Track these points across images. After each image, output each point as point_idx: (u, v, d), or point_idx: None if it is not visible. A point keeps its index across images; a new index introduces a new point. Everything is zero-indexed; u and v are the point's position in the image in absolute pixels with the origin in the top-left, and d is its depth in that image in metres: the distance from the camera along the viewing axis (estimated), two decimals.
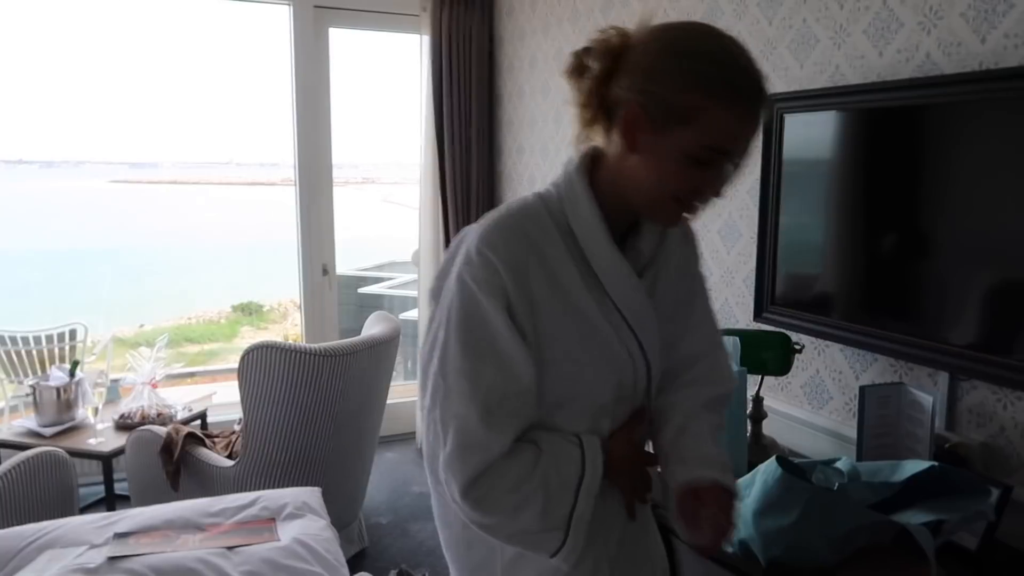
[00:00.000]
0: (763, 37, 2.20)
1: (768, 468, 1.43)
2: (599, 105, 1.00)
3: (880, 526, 1.38)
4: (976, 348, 1.58)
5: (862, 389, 1.73)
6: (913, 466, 1.48)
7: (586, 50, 1.00)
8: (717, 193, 0.97)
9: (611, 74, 0.98)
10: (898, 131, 1.73)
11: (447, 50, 3.73)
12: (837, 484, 1.44)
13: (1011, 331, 1.52)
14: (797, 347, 1.95)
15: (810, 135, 1.96)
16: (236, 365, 2.52)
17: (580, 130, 1.04)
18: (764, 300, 2.10)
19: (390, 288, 7.24)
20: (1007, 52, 1.57)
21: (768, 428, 2.06)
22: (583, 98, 1.01)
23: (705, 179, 0.95)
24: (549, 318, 1.00)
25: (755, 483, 1.43)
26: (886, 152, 1.77)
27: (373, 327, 2.87)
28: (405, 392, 4.17)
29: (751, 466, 1.89)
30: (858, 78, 1.91)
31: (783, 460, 1.44)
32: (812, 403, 2.11)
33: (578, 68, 1.00)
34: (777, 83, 2.14)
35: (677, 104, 0.91)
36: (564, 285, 1.00)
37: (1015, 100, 1.47)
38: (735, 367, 1.83)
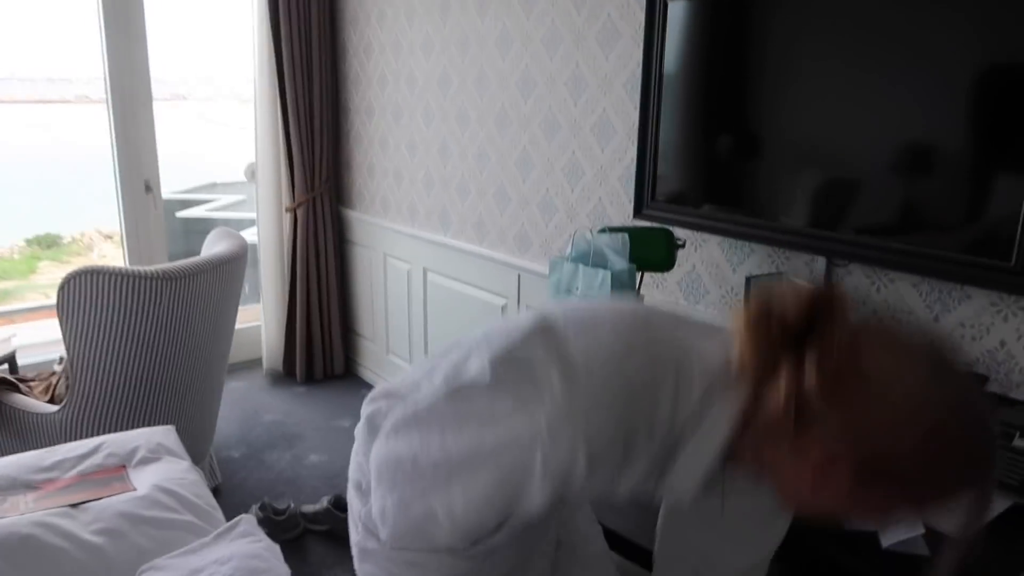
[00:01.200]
0: None
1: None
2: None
3: None
4: (856, 232, 1.61)
5: (748, 279, 1.74)
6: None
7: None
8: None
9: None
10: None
11: None
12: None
13: (888, 214, 1.56)
14: (679, 242, 1.93)
15: (684, 24, 1.89)
16: (37, 303, 2.16)
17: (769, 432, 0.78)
18: (645, 197, 2.05)
19: (215, 211, 6.68)
20: None
21: None
22: (789, 388, 0.74)
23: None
24: None
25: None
26: (750, 27, 1.74)
27: (215, 245, 2.57)
28: (249, 316, 3.87)
29: None
30: None
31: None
32: (689, 297, 2.13)
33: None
34: None
35: (909, 486, 0.73)
36: None
37: None
38: (625, 264, 1.77)
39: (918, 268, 1.53)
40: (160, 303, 2.21)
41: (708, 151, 1.93)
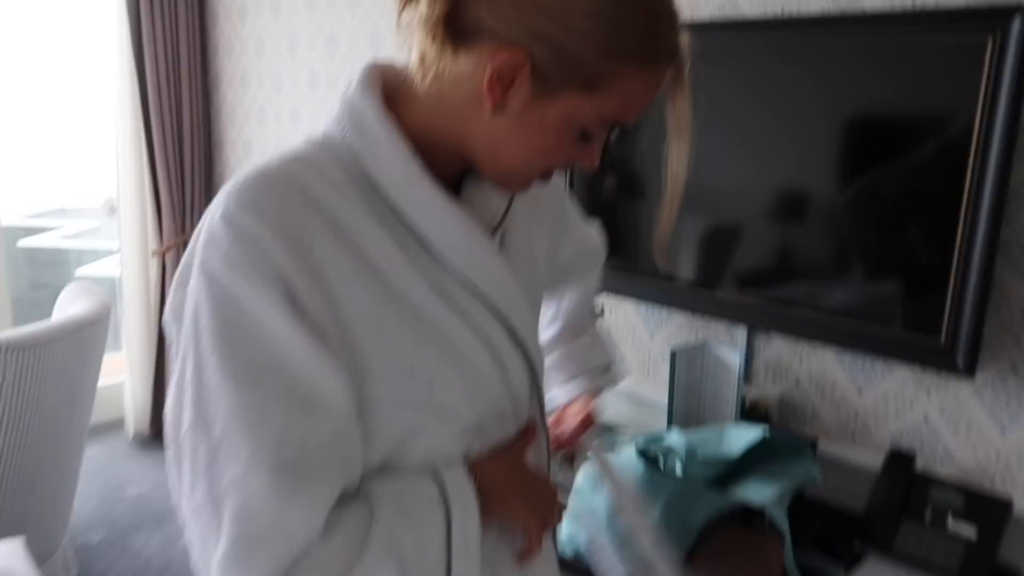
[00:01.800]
0: None
1: (629, 463, 1.29)
2: (443, 31, 0.67)
3: (728, 507, 1.31)
4: (775, 301, 1.57)
5: (673, 353, 1.67)
6: (738, 435, 1.43)
7: None
8: (593, 165, 0.73)
9: None
10: None
11: None
12: (681, 466, 1.35)
13: (812, 282, 1.53)
14: (597, 311, 1.84)
15: None
16: None
17: (399, 28, 0.70)
18: None
19: (68, 239, 6.08)
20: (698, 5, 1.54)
21: None
22: (430, 10, 0.66)
23: (585, 151, 0.72)
24: (356, 309, 0.67)
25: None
26: None
27: (71, 304, 2.25)
28: (109, 369, 3.48)
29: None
30: None
31: (643, 454, 1.30)
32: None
33: None
34: None
35: (590, 67, 0.65)
36: (372, 259, 0.68)
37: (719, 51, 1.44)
38: None
39: (840, 341, 1.50)
40: (3, 379, 1.89)
41: (624, 208, 1.86)
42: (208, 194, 3.43)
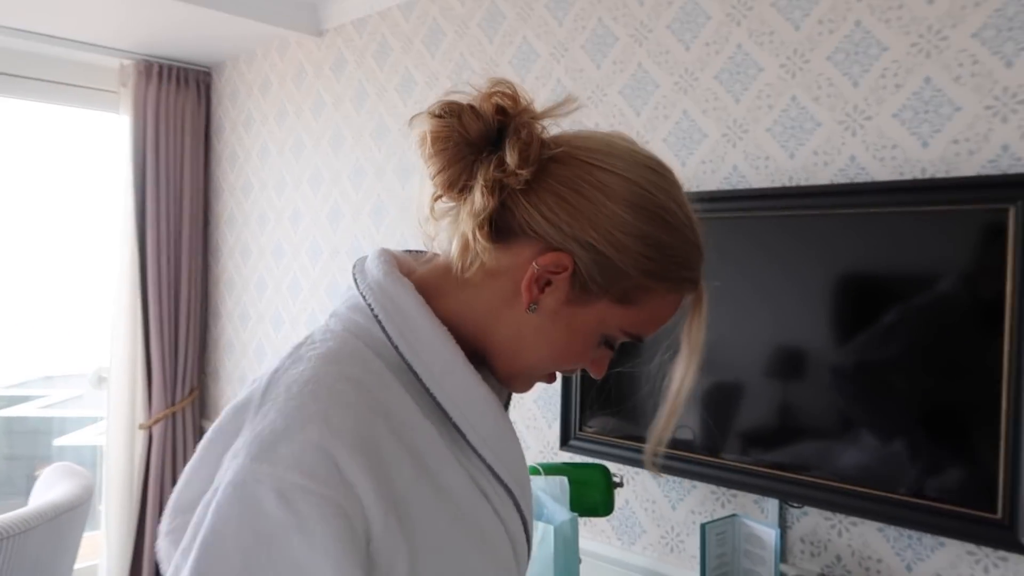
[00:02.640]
0: None
1: None
2: (490, 203, 0.66)
3: None
4: (807, 471, 1.49)
5: (704, 527, 1.56)
6: None
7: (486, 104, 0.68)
8: (600, 374, 0.75)
9: (529, 178, 0.67)
10: None
11: (153, 134, 3.13)
12: None
13: (844, 451, 1.45)
14: (618, 480, 1.74)
15: None
16: None
17: (430, 213, 0.71)
18: (572, 424, 1.88)
19: (49, 407, 5.90)
20: (705, 177, 1.58)
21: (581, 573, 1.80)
22: (482, 206, 0.66)
23: (599, 358, 0.74)
24: (418, 512, 0.62)
25: None
26: None
27: (52, 487, 2.11)
28: (83, 551, 3.23)
29: None
30: None
31: None
32: (623, 539, 1.91)
33: (473, 140, 0.67)
34: None
35: (626, 280, 0.67)
36: (424, 453, 0.64)
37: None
38: (567, 515, 1.55)
39: (880, 516, 1.41)
40: None
41: (629, 380, 1.81)
42: (202, 366, 3.37)
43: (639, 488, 1.87)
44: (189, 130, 3.23)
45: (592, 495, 1.69)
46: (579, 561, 1.61)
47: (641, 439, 1.74)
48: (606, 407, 1.84)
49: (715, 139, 1.74)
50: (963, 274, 1.33)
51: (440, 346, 0.67)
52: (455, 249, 0.69)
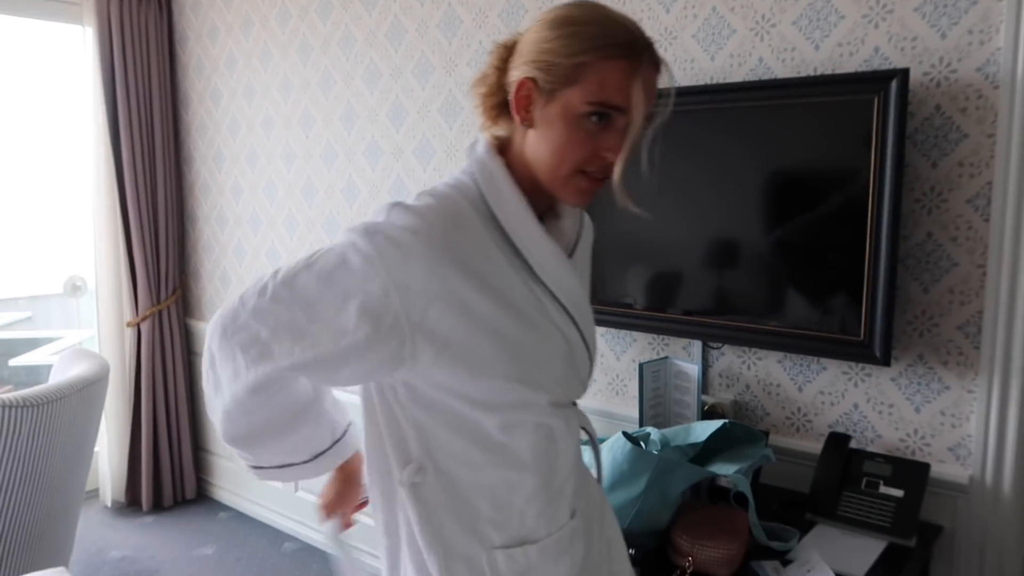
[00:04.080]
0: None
1: (615, 444, 1.52)
2: (501, 95, 1.01)
3: (700, 482, 1.55)
4: (725, 316, 1.86)
5: (641, 365, 1.93)
6: (704, 427, 1.69)
7: (491, 53, 1.03)
8: (616, 155, 0.93)
9: (507, 64, 1.00)
10: None
11: (120, 44, 3.24)
12: (660, 449, 1.59)
13: (753, 300, 1.82)
14: None
15: None
16: None
17: (485, 121, 1.04)
18: None
19: (8, 329, 5.97)
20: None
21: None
22: (485, 95, 1.02)
23: (601, 142, 0.93)
24: (480, 311, 0.94)
25: (605, 460, 1.50)
26: None
27: (72, 367, 2.38)
28: None
29: None
30: None
31: (627, 434, 1.54)
32: (609, 395, 2.28)
33: (484, 73, 1.03)
34: None
35: (563, 66, 0.92)
36: (493, 273, 0.95)
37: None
38: None
39: (782, 346, 1.79)
40: (19, 434, 2.01)
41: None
42: (182, 267, 3.59)
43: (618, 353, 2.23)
44: (153, 40, 3.35)
45: None
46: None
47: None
48: None
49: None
50: (842, 148, 1.67)
51: (516, 204, 0.97)
52: (501, 130, 1.03)
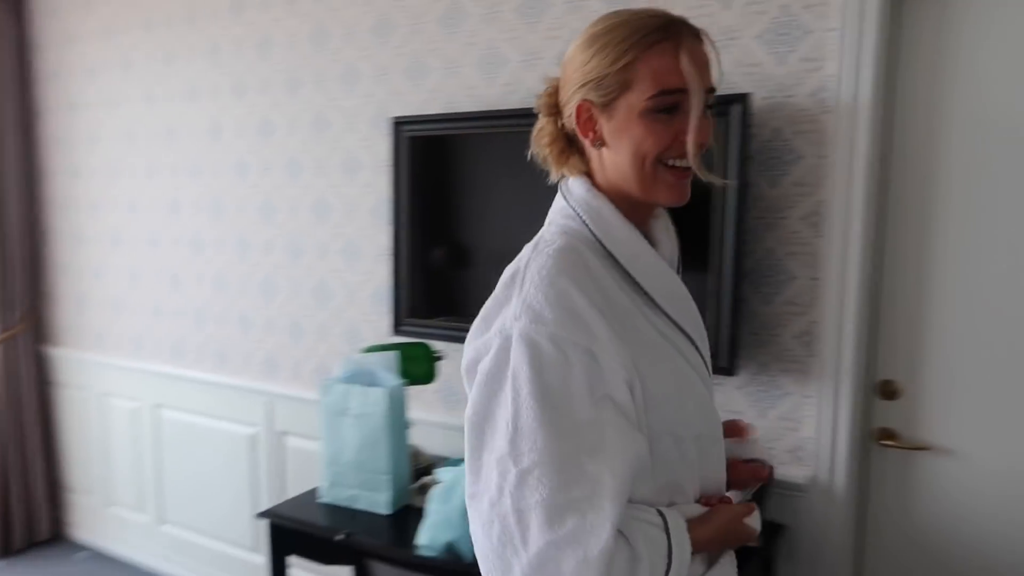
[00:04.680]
0: (378, 63, 2.31)
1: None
2: (563, 138, 1.01)
3: None
4: None
5: None
6: None
7: (537, 106, 1.02)
8: (698, 136, 0.91)
9: (557, 107, 1.00)
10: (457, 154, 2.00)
11: None
12: None
13: None
14: (438, 355, 2.09)
15: (411, 158, 2.14)
16: None
17: (557, 168, 1.03)
18: (401, 313, 2.19)
19: None
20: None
21: (412, 438, 2.15)
22: (547, 142, 1.01)
23: (678, 128, 0.92)
24: (636, 350, 0.91)
25: (461, 482, 1.49)
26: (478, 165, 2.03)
27: None
28: None
29: (416, 475, 1.96)
30: (472, 106, 2.14)
31: None
32: (447, 406, 2.27)
33: (540, 127, 1.02)
34: (395, 107, 2.26)
35: (611, 76, 0.92)
36: (619, 312, 0.92)
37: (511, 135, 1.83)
38: (397, 381, 1.87)
39: None
40: None
41: (446, 269, 2.14)
42: (35, 288, 3.35)
43: (459, 363, 2.22)
44: (4, 47, 3.14)
45: (418, 367, 2.03)
46: (408, 424, 1.95)
47: (462, 322, 2.09)
48: (436, 299, 2.17)
49: (515, 65, 2.06)
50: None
51: (629, 235, 0.96)
52: (574, 168, 1.01)
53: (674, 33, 0.91)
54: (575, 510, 0.82)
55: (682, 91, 0.90)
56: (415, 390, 2.28)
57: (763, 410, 1.80)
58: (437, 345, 2.14)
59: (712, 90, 0.93)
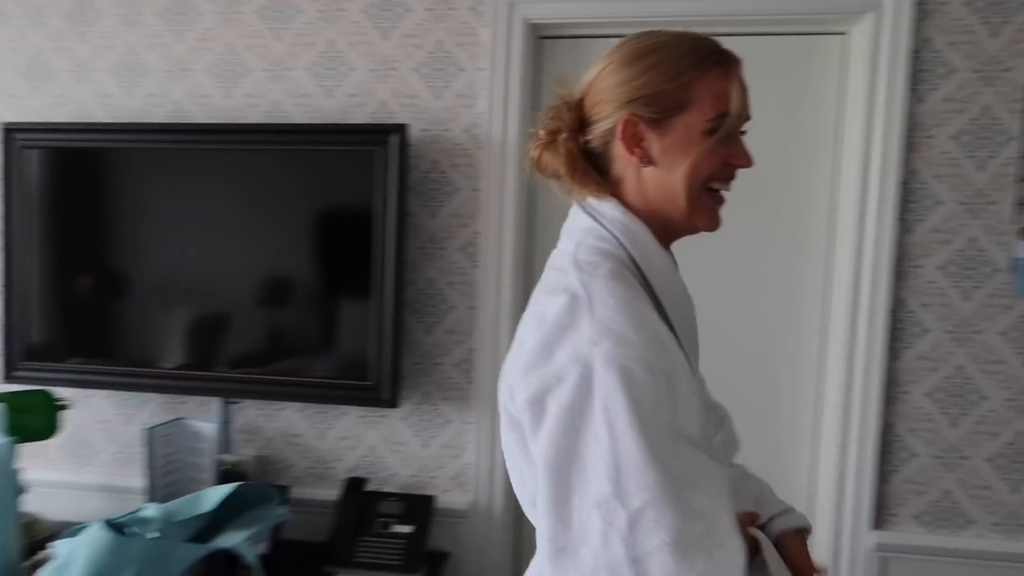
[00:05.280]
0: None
1: (92, 536, 1.28)
2: (584, 158, 0.95)
3: (210, 557, 1.40)
4: (242, 369, 1.75)
5: (148, 432, 1.70)
6: (212, 494, 1.54)
7: (546, 124, 0.96)
8: (748, 160, 0.94)
9: (581, 124, 0.95)
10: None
11: None
12: (158, 532, 1.39)
13: (271, 350, 1.75)
14: (62, 403, 1.78)
15: (42, 174, 1.83)
16: None
17: (577, 188, 0.96)
18: (14, 356, 1.83)
19: None
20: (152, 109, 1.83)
21: (28, 504, 1.80)
22: (566, 161, 0.94)
23: (730, 151, 0.93)
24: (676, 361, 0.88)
25: (79, 557, 1.26)
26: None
27: None
28: None
29: (29, 549, 1.65)
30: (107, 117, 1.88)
31: (109, 523, 1.31)
32: (76, 462, 1.95)
33: (548, 142, 0.95)
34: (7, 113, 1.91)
35: (669, 92, 0.90)
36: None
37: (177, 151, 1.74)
38: (2, 439, 1.55)
39: (298, 396, 1.75)
40: None
41: (79, 302, 1.85)
42: None
43: (93, 410, 1.93)
44: None
45: (35, 420, 1.71)
46: (21, 489, 1.62)
47: (101, 361, 1.80)
48: (75, 337, 1.84)
49: (159, 75, 1.85)
50: (353, 197, 1.71)
51: (666, 266, 0.93)
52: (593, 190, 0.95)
53: (728, 58, 0.93)
54: (701, 549, 0.76)
55: (732, 115, 0.92)
56: (33, 447, 1.93)
57: (427, 440, 1.80)
58: (66, 392, 1.83)
59: (748, 119, 0.97)
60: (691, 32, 0.95)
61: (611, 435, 0.77)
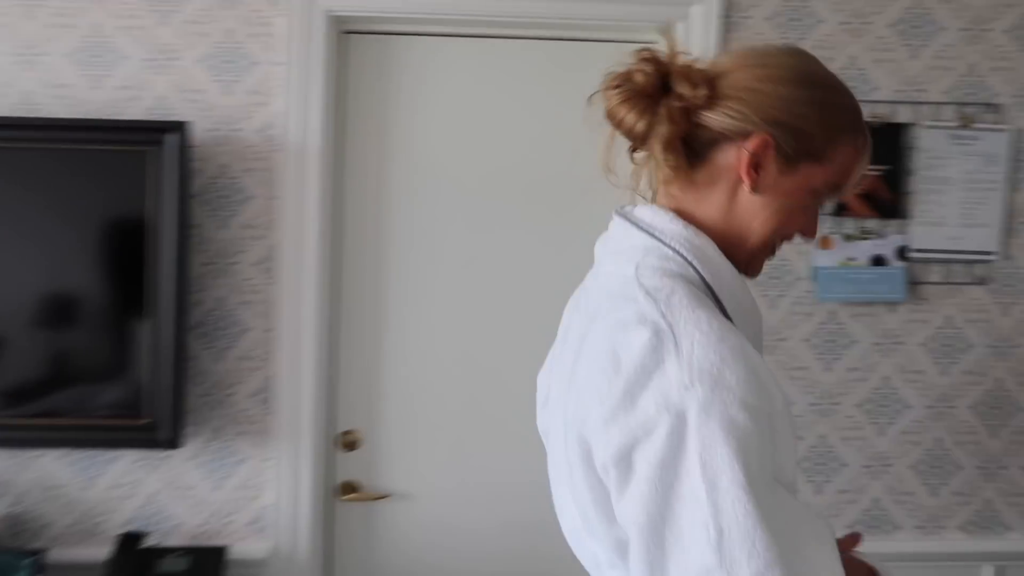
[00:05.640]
0: None
1: None
2: (682, 149, 0.83)
3: None
4: None
5: None
6: None
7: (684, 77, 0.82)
8: (814, 235, 0.90)
9: (712, 100, 0.82)
10: None
11: None
12: None
13: (22, 386, 1.47)
14: None
15: None
16: None
17: (665, 175, 0.84)
18: None
19: None
20: None
21: None
22: (669, 134, 0.81)
23: (812, 219, 0.89)
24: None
25: None
26: None
27: None
28: None
29: None
30: None
31: None
32: None
33: (649, 96, 0.81)
34: None
35: (818, 140, 0.83)
36: None
37: None
38: None
39: (56, 442, 1.48)
40: None
41: None
42: None
43: None
44: None
45: None
46: None
47: None
48: None
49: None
50: (120, 205, 1.47)
51: (731, 276, 0.84)
52: (660, 178, 0.84)
53: (869, 137, 0.89)
54: None
55: (841, 190, 0.89)
56: None
57: (219, 481, 1.58)
58: None
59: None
60: (846, 86, 0.89)
61: (712, 493, 0.68)
